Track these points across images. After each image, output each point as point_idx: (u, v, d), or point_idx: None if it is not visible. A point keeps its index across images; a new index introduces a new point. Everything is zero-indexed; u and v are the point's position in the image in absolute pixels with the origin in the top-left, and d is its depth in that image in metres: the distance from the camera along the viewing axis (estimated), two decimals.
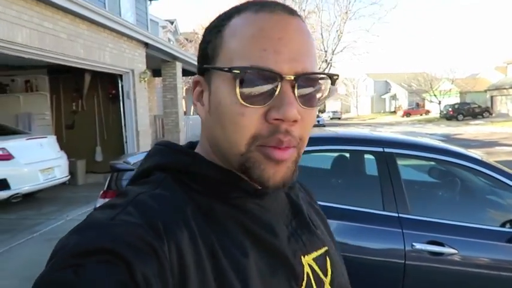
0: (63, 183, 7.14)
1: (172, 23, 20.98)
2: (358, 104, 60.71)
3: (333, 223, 2.24)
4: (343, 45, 31.98)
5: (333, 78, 0.55)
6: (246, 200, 0.56)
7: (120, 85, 7.98)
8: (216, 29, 0.55)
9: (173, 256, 0.45)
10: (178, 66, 10.39)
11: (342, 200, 2.55)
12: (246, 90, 0.50)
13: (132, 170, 2.88)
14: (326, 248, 0.63)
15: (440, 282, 2.36)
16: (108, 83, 8.62)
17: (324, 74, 0.55)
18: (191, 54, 13.31)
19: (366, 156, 2.94)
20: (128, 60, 7.70)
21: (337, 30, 26.89)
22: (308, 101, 0.52)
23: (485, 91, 40.58)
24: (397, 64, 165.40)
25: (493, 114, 36.97)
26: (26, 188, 6.13)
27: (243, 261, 0.50)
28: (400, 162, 2.60)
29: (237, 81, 0.49)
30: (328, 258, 0.62)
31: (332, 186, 2.94)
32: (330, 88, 0.56)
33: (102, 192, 2.76)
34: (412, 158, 2.70)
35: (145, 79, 8.23)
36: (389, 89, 57.87)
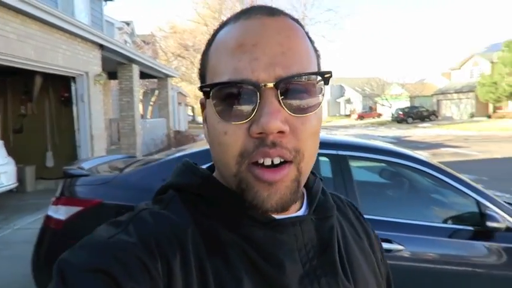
0: (11, 191, 6.78)
1: (128, 24, 20.49)
2: None
3: None
4: None
5: (324, 76, 0.49)
6: (256, 229, 0.51)
7: (73, 88, 7.70)
8: (205, 48, 0.54)
9: (165, 275, 0.45)
10: (135, 69, 10.18)
11: None
12: (225, 107, 0.47)
13: (86, 175, 2.81)
14: None
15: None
16: (61, 86, 8.29)
17: (312, 73, 0.49)
18: (148, 56, 13.09)
19: (320, 158, 3.06)
20: (82, 62, 7.46)
21: None
22: (300, 107, 0.47)
23: (432, 95, 42.96)
24: (351, 69, 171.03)
25: (439, 117, 39.18)
26: None
27: None
28: (353, 164, 2.74)
29: (210, 99, 0.48)
30: None
31: None
32: (323, 88, 0.50)
33: (54, 198, 2.68)
34: (364, 160, 2.84)
35: (101, 82, 8.01)
36: (344, 93, 59.68)
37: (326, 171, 2.83)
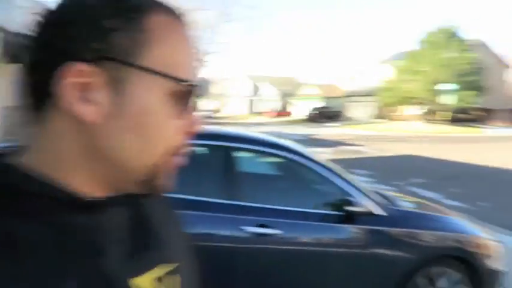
0: None
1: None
2: (232, 104, 62.73)
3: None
4: (218, 46, 32.73)
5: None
6: (69, 215, 0.46)
7: None
8: (126, 15, 0.46)
9: None
10: None
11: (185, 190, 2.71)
12: (180, 102, 0.49)
13: None
14: (170, 267, 0.56)
15: (268, 261, 2.70)
16: None
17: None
18: None
19: (201, 149, 3.15)
20: None
21: (212, 31, 27.38)
22: None
23: (341, 97, 46.22)
24: (266, 68, 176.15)
25: (345, 118, 42.36)
26: None
27: None
28: (236, 155, 2.87)
29: (186, 93, 0.49)
30: (171, 278, 0.56)
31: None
32: None
33: None
34: (244, 151, 3.00)
35: None
36: (260, 91, 61.23)
37: (213, 162, 2.92)
